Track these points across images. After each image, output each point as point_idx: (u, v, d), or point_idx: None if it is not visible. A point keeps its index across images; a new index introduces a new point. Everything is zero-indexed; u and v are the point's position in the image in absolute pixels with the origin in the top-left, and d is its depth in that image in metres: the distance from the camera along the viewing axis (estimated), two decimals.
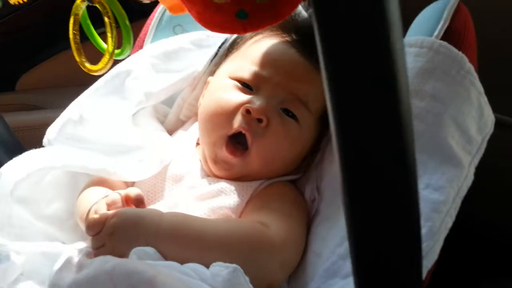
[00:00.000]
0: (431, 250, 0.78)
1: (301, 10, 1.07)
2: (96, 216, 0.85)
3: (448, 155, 0.85)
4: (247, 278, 0.77)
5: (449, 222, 0.81)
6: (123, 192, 0.89)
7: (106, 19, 0.76)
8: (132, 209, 0.87)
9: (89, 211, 0.88)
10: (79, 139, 1.04)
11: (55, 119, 1.09)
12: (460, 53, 0.89)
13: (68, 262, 0.82)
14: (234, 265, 0.77)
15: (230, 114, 0.95)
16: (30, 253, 0.89)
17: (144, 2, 0.83)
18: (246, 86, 0.97)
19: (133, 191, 0.89)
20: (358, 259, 0.50)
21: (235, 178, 0.97)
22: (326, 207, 0.93)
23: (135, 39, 1.20)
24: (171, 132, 1.13)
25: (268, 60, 0.97)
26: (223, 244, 0.83)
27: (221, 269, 0.77)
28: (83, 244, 0.90)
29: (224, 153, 0.95)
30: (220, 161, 0.97)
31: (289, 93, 0.96)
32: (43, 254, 0.89)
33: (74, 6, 0.79)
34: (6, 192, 0.95)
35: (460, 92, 0.88)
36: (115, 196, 0.88)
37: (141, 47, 1.22)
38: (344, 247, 0.84)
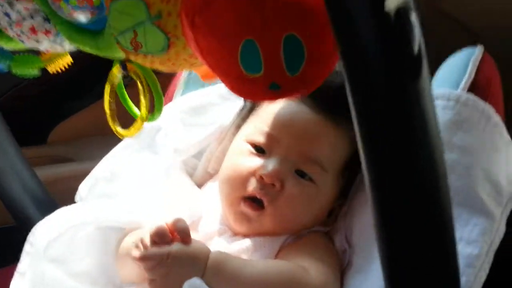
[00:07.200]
0: None
1: None
2: (152, 251, 0.86)
3: (479, 206, 0.86)
4: None
5: (483, 276, 0.83)
6: (169, 222, 0.89)
7: (140, 87, 0.78)
8: (185, 249, 0.87)
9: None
10: (110, 195, 1.07)
11: (87, 170, 1.12)
12: (487, 105, 0.91)
13: None
14: None
15: (244, 179, 0.97)
16: None
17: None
18: (259, 149, 0.99)
19: (179, 223, 0.89)
20: None
21: (257, 234, 0.98)
22: (358, 259, 0.94)
23: (165, 92, 1.22)
24: (200, 185, 1.15)
25: (280, 121, 0.99)
26: (263, 282, 0.87)
27: None
28: None
29: (242, 208, 0.97)
30: (239, 216, 0.98)
31: (302, 154, 0.96)
32: None
33: (110, 74, 0.82)
34: (39, 252, 0.98)
35: (489, 144, 0.89)
36: (161, 228, 0.88)
37: (171, 99, 1.24)
38: None
